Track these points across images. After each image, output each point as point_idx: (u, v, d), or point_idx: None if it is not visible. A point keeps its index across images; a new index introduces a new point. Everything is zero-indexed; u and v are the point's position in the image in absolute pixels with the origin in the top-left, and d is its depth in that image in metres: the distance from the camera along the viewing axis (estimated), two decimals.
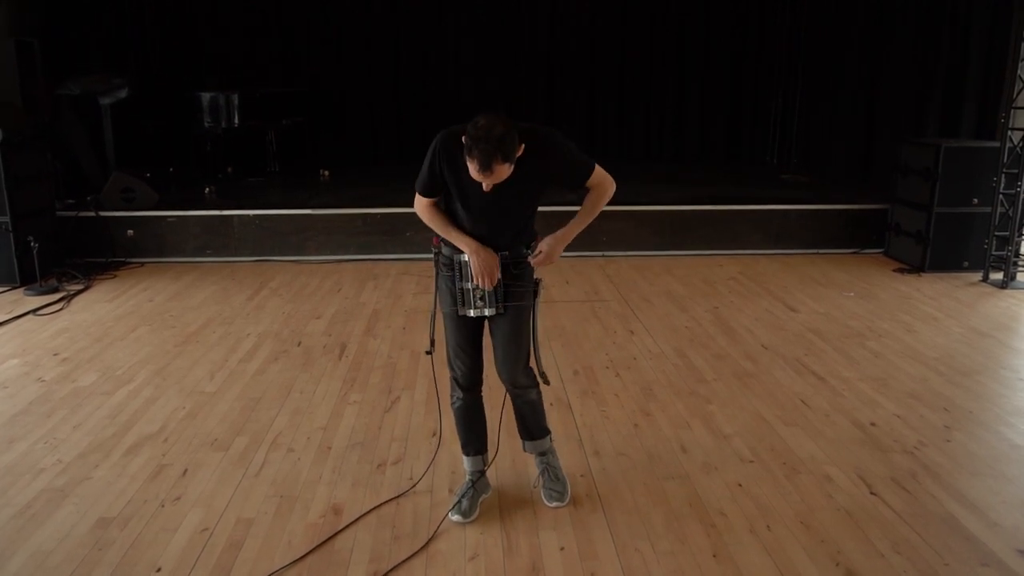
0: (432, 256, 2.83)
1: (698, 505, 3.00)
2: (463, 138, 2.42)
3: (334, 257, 6.95)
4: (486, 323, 2.86)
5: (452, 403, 2.98)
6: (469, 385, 2.91)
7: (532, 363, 2.91)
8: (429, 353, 2.93)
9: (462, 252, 2.69)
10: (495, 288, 2.71)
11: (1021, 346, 4.75)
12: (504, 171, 2.42)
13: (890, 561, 2.65)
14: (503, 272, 2.71)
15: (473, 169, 2.41)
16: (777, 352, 4.63)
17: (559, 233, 2.74)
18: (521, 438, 3.08)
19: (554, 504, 2.96)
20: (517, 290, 2.77)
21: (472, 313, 2.75)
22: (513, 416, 3.03)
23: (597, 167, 2.71)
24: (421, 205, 2.75)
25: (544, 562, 2.66)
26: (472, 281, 2.70)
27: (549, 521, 2.89)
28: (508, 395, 2.97)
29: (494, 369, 2.90)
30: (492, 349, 2.86)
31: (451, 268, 2.75)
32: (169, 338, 4.89)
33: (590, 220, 2.79)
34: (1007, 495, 3.06)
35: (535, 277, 2.83)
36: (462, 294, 2.74)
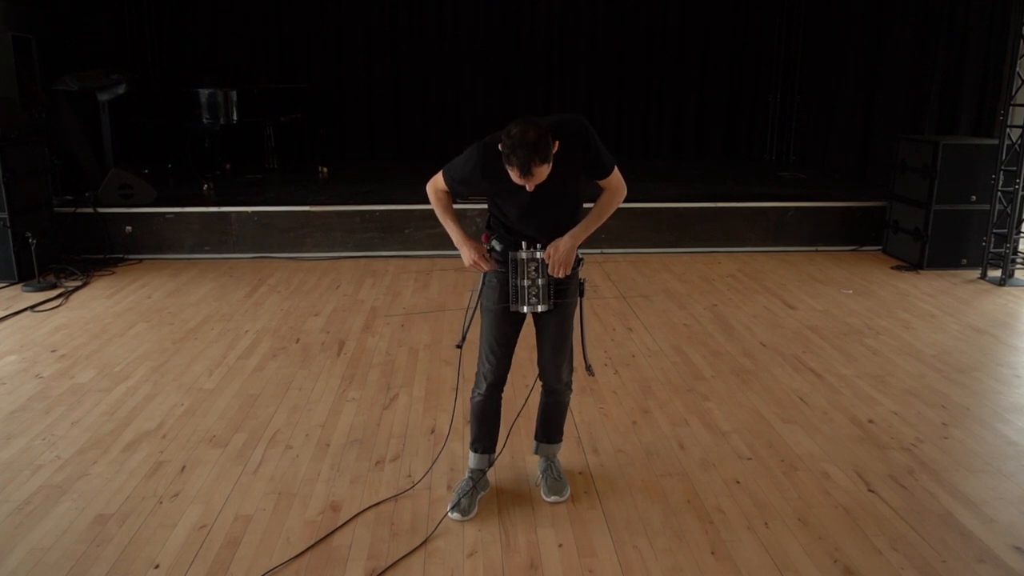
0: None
1: (696, 502, 3.00)
2: (500, 147, 2.49)
3: (332, 254, 6.95)
4: (525, 323, 2.91)
5: (472, 397, 2.98)
6: (495, 382, 2.93)
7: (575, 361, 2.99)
8: (459, 347, 2.98)
9: (518, 249, 2.73)
10: (549, 284, 2.76)
11: (1018, 343, 4.76)
12: (544, 171, 2.47)
13: (887, 558, 2.66)
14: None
15: (514, 175, 2.48)
16: (775, 349, 4.63)
17: (568, 235, 2.73)
18: (536, 440, 3.11)
19: (552, 499, 2.97)
20: (566, 287, 2.82)
21: (525, 309, 2.79)
22: (518, 417, 3.04)
23: (616, 169, 2.75)
24: (434, 188, 2.81)
25: (542, 559, 2.66)
26: (526, 279, 2.74)
27: (547, 518, 2.90)
28: (542, 394, 3.03)
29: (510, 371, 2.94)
30: (538, 347, 2.92)
31: (504, 265, 2.78)
32: (167, 335, 4.89)
33: (601, 222, 2.80)
34: (1004, 491, 3.07)
35: (580, 277, 2.88)
36: (516, 291, 2.77)
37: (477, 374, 2.96)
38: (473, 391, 2.98)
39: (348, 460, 3.32)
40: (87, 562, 2.63)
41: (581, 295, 2.90)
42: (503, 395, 2.99)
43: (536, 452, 3.12)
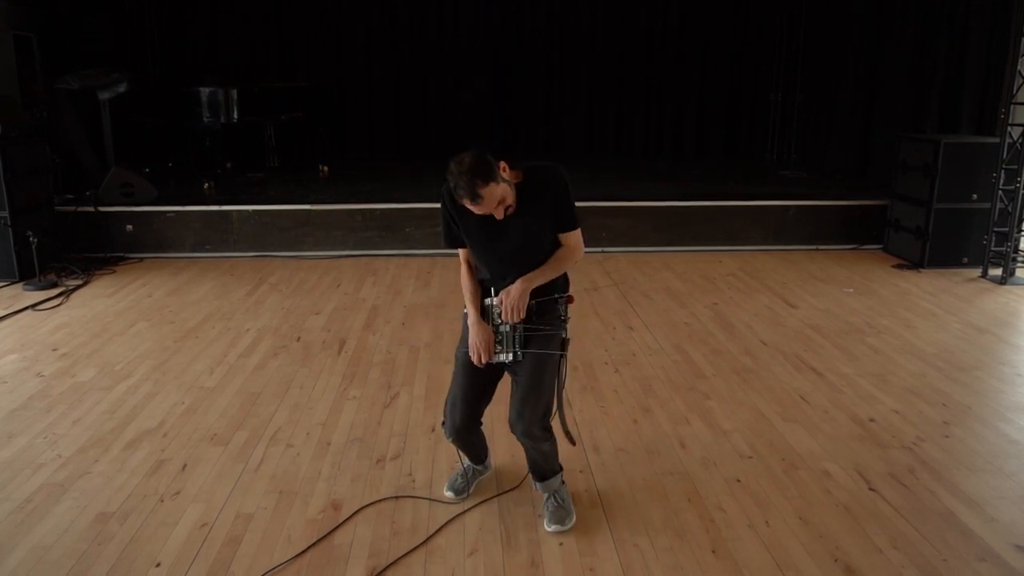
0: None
1: (697, 501, 3.00)
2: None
3: (333, 253, 6.95)
4: (497, 374, 2.80)
5: (446, 435, 2.86)
6: (459, 432, 2.82)
7: (554, 419, 2.78)
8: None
9: (487, 297, 2.69)
10: (513, 331, 2.66)
11: (1019, 342, 4.76)
12: (495, 191, 2.42)
13: (888, 556, 2.66)
14: (526, 317, 2.66)
15: (470, 206, 2.45)
16: (776, 348, 4.63)
17: (521, 280, 2.63)
18: (532, 479, 2.93)
19: (554, 528, 2.79)
20: (541, 336, 2.69)
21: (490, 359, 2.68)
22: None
23: (579, 230, 2.70)
24: (460, 265, 2.78)
25: (543, 557, 2.66)
26: (491, 324, 2.68)
27: None
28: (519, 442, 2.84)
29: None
30: (509, 398, 2.75)
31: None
32: (168, 333, 4.89)
33: (554, 275, 2.69)
34: (1005, 490, 3.07)
35: (564, 336, 2.73)
36: None
37: (443, 421, 2.85)
38: (444, 429, 2.85)
39: (349, 458, 3.32)
40: (88, 560, 2.63)
41: (564, 350, 2.72)
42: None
43: (535, 490, 2.93)
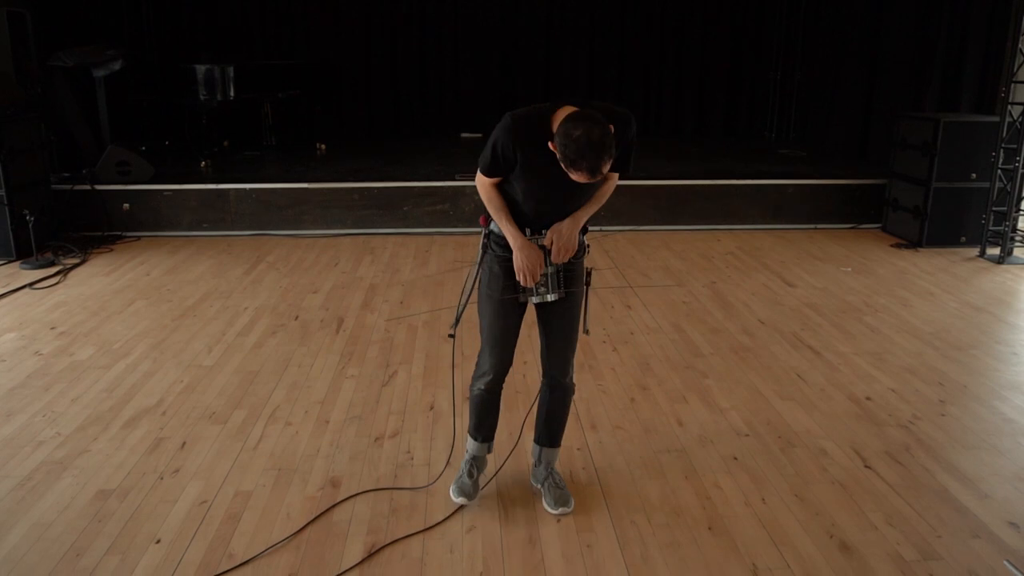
0: (482, 237, 2.68)
1: (694, 478, 3.02)
2: (552, 147, 2.29)
3: (331, 231, 6.94)
4: (527, 312, 2.74)
5: (472, 389, 2.83)
6: (499, 376, 2.77)
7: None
8: (451, 336, 2.83)
9: (523, 233, 2.58)
10: (557, 272, 2.61)
11: (1016, 321, 4.77)
12: (609, 165, 2.30)
13: (883, 533, 2.68)
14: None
15: (580, 177, 2.29)
16: (774, 327, 4.64)
17: (570, 219, 2.59)
18: (538, 444, 2.90)
19: (559, 511, 2.78)
20: (575, 274, 2.68)
21: (535, 300, 2.64)
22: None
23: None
24: (483, 183, 2.60)
25: (540, 534, 2.68)
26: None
27: None
28: (545, 391, 2.85)
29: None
30: (544, 339, 2.74)
31: (506, 250, 2.62)
32: (166, 312, 4.89)
33: (595, 211, 2.68)
34: (999, 468, 3.09)
35: (587, 266, 2.75)
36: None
37: (478, 366, 2.80)
38: (473, 383, 2.82)
39: (347, 436, 3.34)
40: (89, 537, 2.65)
41: (588, 284, 2.75)
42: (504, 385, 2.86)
43: (537, 459, 2.92)
